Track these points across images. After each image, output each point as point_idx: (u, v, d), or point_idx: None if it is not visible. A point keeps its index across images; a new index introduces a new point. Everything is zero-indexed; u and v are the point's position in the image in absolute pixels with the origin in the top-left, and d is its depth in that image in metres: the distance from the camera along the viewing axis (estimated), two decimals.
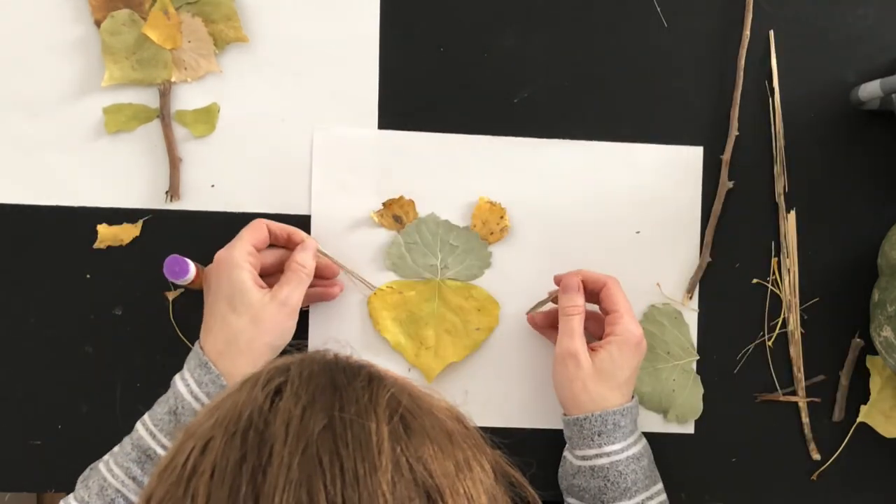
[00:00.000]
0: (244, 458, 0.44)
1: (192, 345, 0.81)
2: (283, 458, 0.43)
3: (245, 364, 0.72)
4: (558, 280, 0.78)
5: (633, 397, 0.76)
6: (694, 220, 0.83)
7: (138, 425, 0.72)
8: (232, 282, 0.73)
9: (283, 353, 0.75)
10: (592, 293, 0.77)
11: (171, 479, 0.45)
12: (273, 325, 0.73)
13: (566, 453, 0.76)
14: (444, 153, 0.83)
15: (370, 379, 0.49)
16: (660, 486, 0.76)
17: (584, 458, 0.74)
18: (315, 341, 0.82)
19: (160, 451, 0.70)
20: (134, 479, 0.70)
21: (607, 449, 0.73)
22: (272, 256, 0.78)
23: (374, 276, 0.82)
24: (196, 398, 0.71)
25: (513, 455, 0.76)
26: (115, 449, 0.73)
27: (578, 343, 0.74)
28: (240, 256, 0.73)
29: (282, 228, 0.78)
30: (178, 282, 0.76)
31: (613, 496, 0.73)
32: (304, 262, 0.75)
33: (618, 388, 0.74)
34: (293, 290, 0.74)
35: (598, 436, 0.73)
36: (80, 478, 0.73)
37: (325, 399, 0.46)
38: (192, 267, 0.75)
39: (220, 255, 0.75)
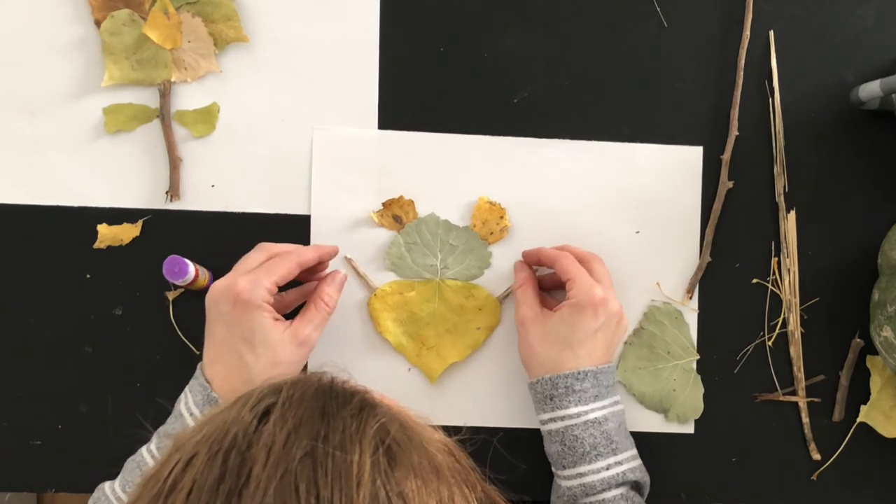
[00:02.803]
0: (222, 478, 0.43)
1: (191, 344, 0.81)
2: (259, 483, 0.43)
3: None
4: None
5: (607, 364, 0.76)
6: (694, 219, 0.83)
7: (143, 450, 0.71)
8: (253, 323, 0.70)
9: None
10: (550, 266, 0.79)
11: (153, 490, 0.45)
12: (290, 362, 0.71)
13: None
14: (443, 153, 0.83)
15: (361, 407, 0.48)
16: (630, 452, 0.75)
17: (541, 421, 0.75)
18: (316, 344, 0.82)
19: None
20: None
21: (560, 413, 0.73)
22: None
23: (374, 276, 0.82)
24: None
25: (515, 454, 0.76)
26: (120, 475, 0.72)
27: (524, 311, 0.76)
28: (261, 297, 0.70)
29: (314, 255, 0.75)
30: (178, 282, 0.76)
31: (572, 460, 0.73)
32: (330, 298, 0.74)
33: (569, 349, 0.74)
34: (315, 329, 0.73)
35: (550, 399, 0.73)
36: (91, 500, 0.72)
37: (311, 425, 0.46)
38: (192, 267, 0.75)
39: (241, 291, 0.70)
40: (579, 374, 0.73)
